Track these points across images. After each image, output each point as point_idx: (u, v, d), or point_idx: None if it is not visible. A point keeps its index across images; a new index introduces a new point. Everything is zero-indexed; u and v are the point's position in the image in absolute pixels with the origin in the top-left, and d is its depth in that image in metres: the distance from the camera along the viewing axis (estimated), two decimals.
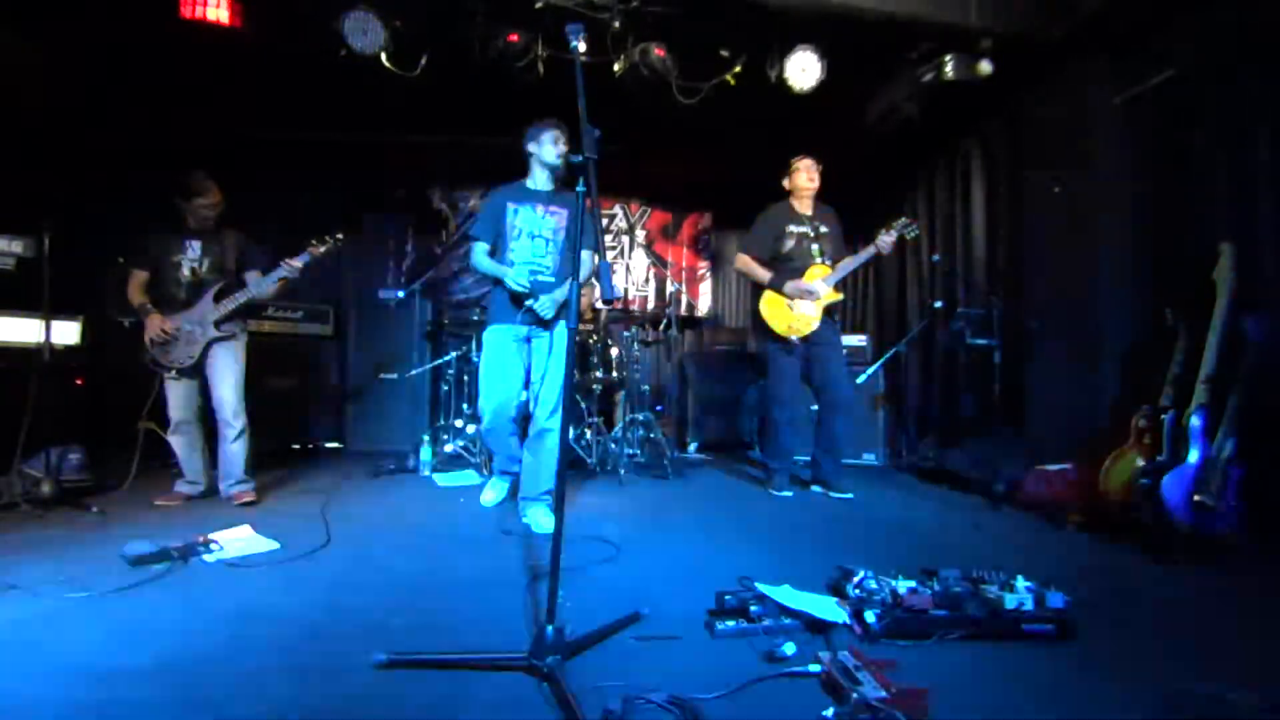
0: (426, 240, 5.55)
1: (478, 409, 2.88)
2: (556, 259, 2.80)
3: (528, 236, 2.77)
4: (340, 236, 3.18)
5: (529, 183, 2.87)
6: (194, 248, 3.09)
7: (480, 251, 2.85)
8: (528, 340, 2.81)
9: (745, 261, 3.59)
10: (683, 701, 1.28)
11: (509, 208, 2.79)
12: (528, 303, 2.71)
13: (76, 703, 1.29)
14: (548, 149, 2.77)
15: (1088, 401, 3.35)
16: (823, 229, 3.54)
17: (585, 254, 2.66)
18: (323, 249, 3.13)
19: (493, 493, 3.16)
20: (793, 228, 3.52)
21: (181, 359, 2.99)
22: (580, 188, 1.54)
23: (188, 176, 3.10)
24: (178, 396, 3.04)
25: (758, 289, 3.58)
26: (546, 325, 2.79)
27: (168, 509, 2.94)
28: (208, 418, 3.13)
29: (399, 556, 2.34)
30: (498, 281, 2.81)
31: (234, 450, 3.07)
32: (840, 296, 3.53)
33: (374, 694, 1.35)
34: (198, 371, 3.05)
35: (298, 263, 3.07)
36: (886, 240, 3.41)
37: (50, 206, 3.23)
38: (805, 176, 3.53)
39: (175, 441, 3.07)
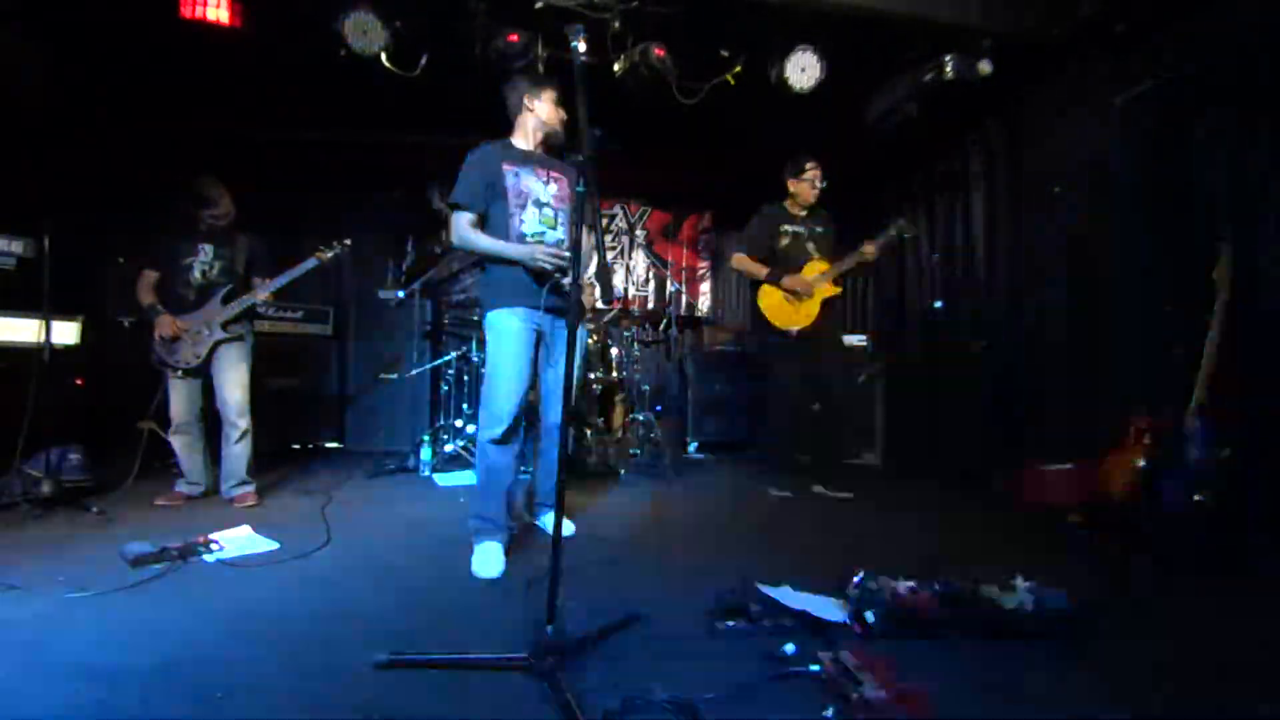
0: (426, 240, 5.54)
1: (483, 415, 2.32)
2: (566, 233, 2.38)
3: (534, 206, 2.32)
4: (348, 242, 3.21)
5: (518, 142, 2.43)
6: (206, 251, 3.10)
7: (466, 223, 2.29)
8: (538, 330, 2.35)
9: (742, 260, 3.59)
10: (682, 702, 1.28)
11: (506, 170, 2.31)
12: (559, 279, 2.13)
13: (76, 703, 1.29)
14: (549, 110, 2.39)
15: (1088, 401, 3.35)
16: (818, 229, 3.57)
17: (589, 245, 2.03)
18: (329, 254, 3.17)
19: (493, 560, 2.17)
20: (788, 227, 3.54)
21: (188, 359, 3.00)
22: (580, 187, 1.54)
23: (198, 184, 3.10)
24: (181, 397, 3.04)
25: (755, 285, 3.59)
26: (564, 314, 2.17)
27: (168, 509, 2.94)
28: (208, 418, 3.14)
29: (399, 556, 2.34)
30: (498, 259, 2.29)
31: (237, 451, 3.07)
32: (838, 290, 3.53)
33: (374, 694, 1.35)
34: (203, 372, 3.06)
35: (303, 268, 3.10)
36: (870, 249, 3.41)
37: (50, 206, 3.23)
38: (810, 188, 3.51)
39: (177, 441, 3.07)
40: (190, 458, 3.09)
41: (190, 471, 3.10)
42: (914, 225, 3.61)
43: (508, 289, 2.27)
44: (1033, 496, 3.20)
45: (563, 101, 2.43)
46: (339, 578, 2.10)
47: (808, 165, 3.52)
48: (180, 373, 3.01)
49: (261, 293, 3.08)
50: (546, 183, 2.36)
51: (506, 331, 2.28)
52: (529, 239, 2.27)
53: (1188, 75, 3.02)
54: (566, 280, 2.12)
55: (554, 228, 2.34)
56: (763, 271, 3.50)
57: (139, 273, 3.10)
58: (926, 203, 4.91)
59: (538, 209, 2.32)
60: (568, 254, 2.13)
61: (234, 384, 3.07)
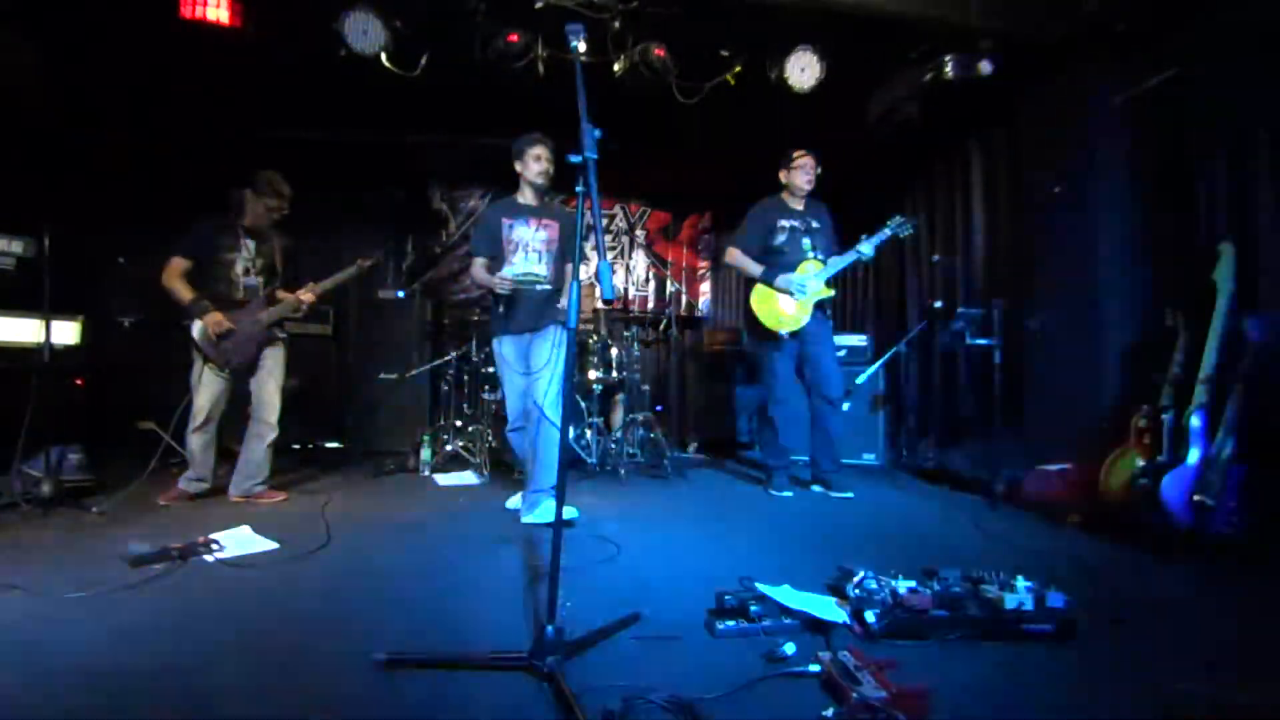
0: (426, 240, 5.55)
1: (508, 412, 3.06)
2: (550, 269, 2.91)
3: (523, 250, 2.90)
4: (380, 254, 3.29)
5: (519, 198, 2.98)
6: (248, 247, 3.07)
7: (479, 266, 2.95)
8: (529, 344, 2.90)
9: (735, 256, 3.58)
10: (682, 701, 1.28)
11: (504, 223, 2.91)
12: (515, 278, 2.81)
13: (76, 703, 1.29)
14: (530, 166, 2.88)
15: (1088, 402, 3.35)
16: (814, 224, 3.55)
17: (583, 256, 2.67)
18: (369, 263, 3.20)
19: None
20: (784, 222, 3.52)
21: (237, 358, 2.96)
22: (580, 188, 1.54)
23: (272, 177, 3.09)
24: (213, 394, 2.98)
25: (749, 285, 3.58)
26: (538, 329, 2.88)
27: (169, 507, 2.93)
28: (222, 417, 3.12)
29: (399, 556, 2.35)
30: (494, 293, 2.92)
31: (266, 452, 3.07)
32: (831, 292, 3.53)
33: (374, 694, 1.35)
34: (248, 373, 3.03)
35: (348, 274, 3.13)
36: (866, 248, 3.42)
37: (50, 206, 3.23)
38: (804, 177, 3.51)
39: (196, 437, 3.01)
40: (205, 455, 3.04)
41: (201, 468, 3.04)
42: (912, 223, 3.60)
43: (499, 322, 2.93)
44: (1033, 496, 3.20)
45: (545, 154, 2.90)
46: (339, 578, 2.10)
47: (796, 154, 3.51)
48: (227, 372, 2.96)
49: (309, 294, 3.07)
50: (536, 230, 2.91)
51: (501, 356, 2.95)
52: (513, 277, 2.82)
53: (1188, 74, 3.02)
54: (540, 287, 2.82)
55: (538, 265, 2.88)
56: (756, 270, 3.49)
57: (167, 260, 2.95)
58: (927, 203, 4.91)
59: (525, 253, 2.89)
60: (515, 281, 2.81)
61: (275, 387, 3.07)
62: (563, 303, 3.08)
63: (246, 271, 3.04)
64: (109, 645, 1.55)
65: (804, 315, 3.43)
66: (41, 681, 1.37)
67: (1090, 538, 2.72)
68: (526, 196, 2.97)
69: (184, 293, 2.94)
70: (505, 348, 2.93)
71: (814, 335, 3.47)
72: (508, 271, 2.84)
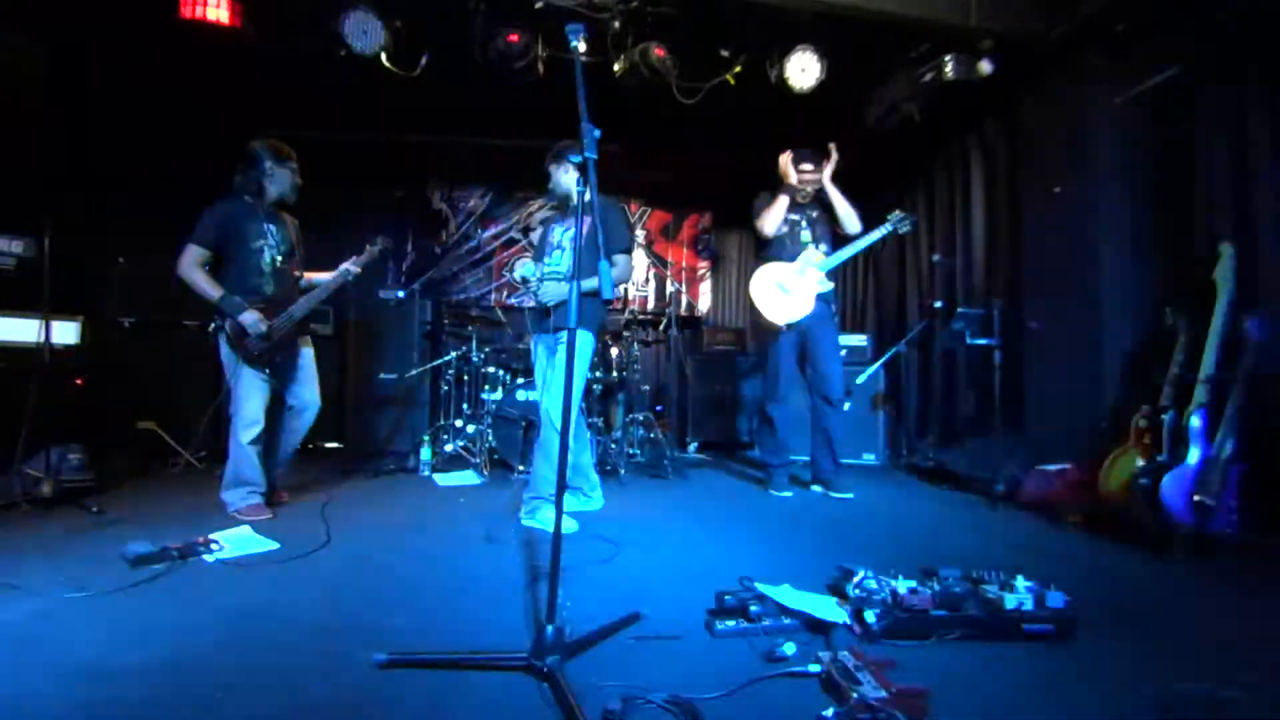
0: (426, 240, 5.55)
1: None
2: (570, 263, 2.79)
3: (553, 249, 2.92)
4: (389, 241, 3.12)
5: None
6: (272, 232, 2.79)
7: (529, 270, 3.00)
8: (552, 348, 2.90)
9: (763, 219, 3.54)
10: (682, 701, 1.28)
11: (550, 228, 2.98)
12: (531, 287, 2.86)
13: (76, 702, 1.29)
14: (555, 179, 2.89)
15: (1088, 401, 3.35)
16: (813, 214, 3.58)
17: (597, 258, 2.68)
18: (377, 249, 3.02)
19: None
20: (787, 214, 3.54)
21: (278, 358, 2.78)
22: (580, 188, 1.55)
23: (269, 141, 2.81)
24: (262, 398, 2.76)
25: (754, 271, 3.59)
26: (554, 330, 2.85)
27: (169, 514, 2.91)
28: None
29: (399, 556, 2.34)
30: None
31: (290, 456, 3.00)
32: (831, 285, 3.53)
33: (374, 694, 1.35)
34: (286, 374, 2.85)
35: (356, 268, 2.96)
36: (866, 241, 3.46)
37: (50, 206, 3.23)
38: (807, 189, 3.53)
39: (253, 450, 2.76)
40: (261, 464, 2.82)
41: (260, 478, 2.83)
42: (911, 219, 3.63)
43: (528, 319, 3.08)
44: (1033, 496, 3.20)
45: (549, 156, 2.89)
46: (339, 578, 2.10)
47: (801, 169, 3.49)
48: (267, 371, 2.75)
49: (335, 281, 2.89)
50: (568, 229, 2.86)
51: (532, 354, 3.03)
52: (540, 275, 2.86)
53: (1188, 74, 3.02)
54: (536, 289, 2.82)
55: (560, 262, 2.85)
56: (781, 209, 3.47)
57: (184, 248, 2.65)
58: (926, 202, 4.91)
59: (552, 251, 2.90)
60: (535, 286, 2.84)
61: (316, 384, 2.91)
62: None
63: (273, 261, 2.78)
64: (109, 645, 1.54)
65: (805, 306, 3.43)
66: (41, 681, 1.37)
67: (1090, 538, 2.72)
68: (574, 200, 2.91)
69: (209, 287, 2.64)
70: (535, 348, 3.00)
71: (817, 333, 3.48)
72: (541, 270, 2.87)
